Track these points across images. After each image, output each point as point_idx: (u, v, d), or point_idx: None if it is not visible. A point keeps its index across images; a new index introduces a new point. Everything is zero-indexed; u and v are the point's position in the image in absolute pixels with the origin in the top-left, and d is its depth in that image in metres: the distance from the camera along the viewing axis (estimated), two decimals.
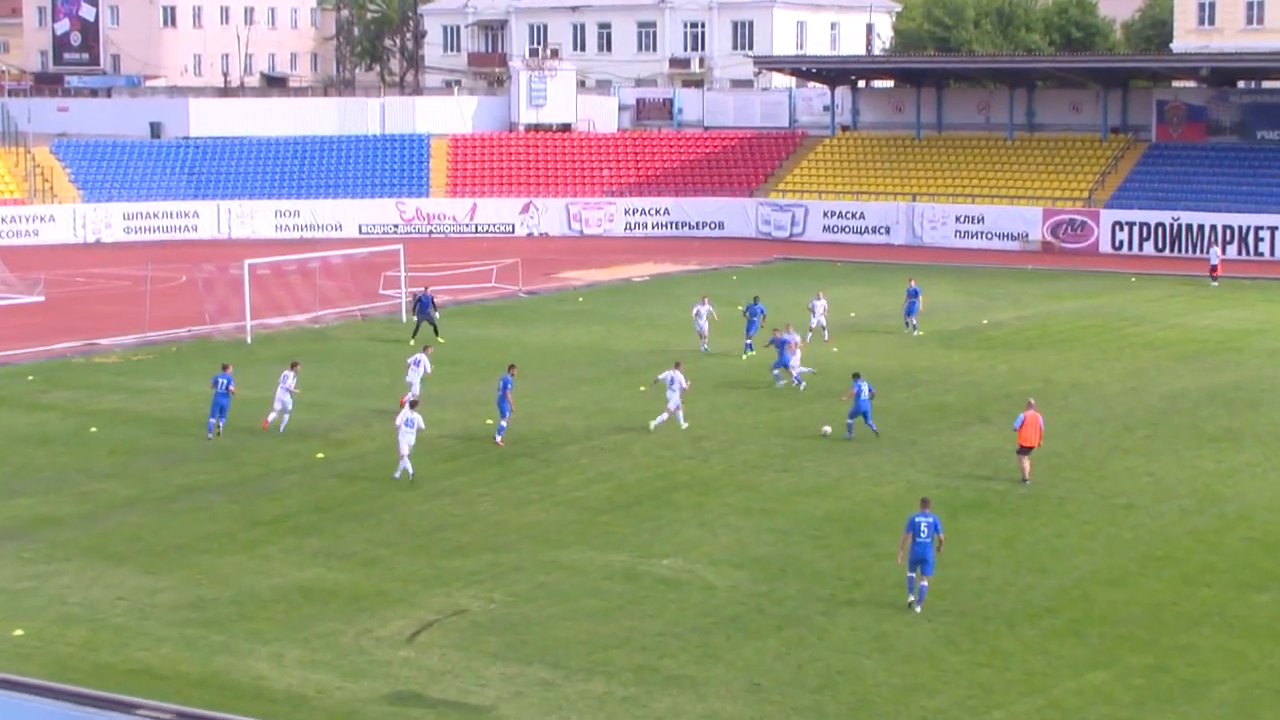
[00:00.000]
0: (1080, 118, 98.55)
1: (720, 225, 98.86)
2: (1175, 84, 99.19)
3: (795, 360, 51.25)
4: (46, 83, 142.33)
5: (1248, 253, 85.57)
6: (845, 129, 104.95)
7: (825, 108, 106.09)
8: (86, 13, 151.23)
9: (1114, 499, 38.26)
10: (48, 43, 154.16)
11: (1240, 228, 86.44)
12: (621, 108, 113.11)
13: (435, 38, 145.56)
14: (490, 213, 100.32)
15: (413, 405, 41.21)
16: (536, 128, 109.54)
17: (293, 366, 46.60)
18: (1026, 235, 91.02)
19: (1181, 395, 50.27)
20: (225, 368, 46.41)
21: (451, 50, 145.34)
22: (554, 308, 70.30)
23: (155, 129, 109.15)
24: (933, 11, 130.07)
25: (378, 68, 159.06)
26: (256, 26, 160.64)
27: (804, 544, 34.67)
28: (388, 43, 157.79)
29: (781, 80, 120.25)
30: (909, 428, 45.64)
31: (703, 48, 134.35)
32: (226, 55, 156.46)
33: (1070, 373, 54.00)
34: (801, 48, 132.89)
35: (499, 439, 43.92)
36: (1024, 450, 39.66)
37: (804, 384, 50.85)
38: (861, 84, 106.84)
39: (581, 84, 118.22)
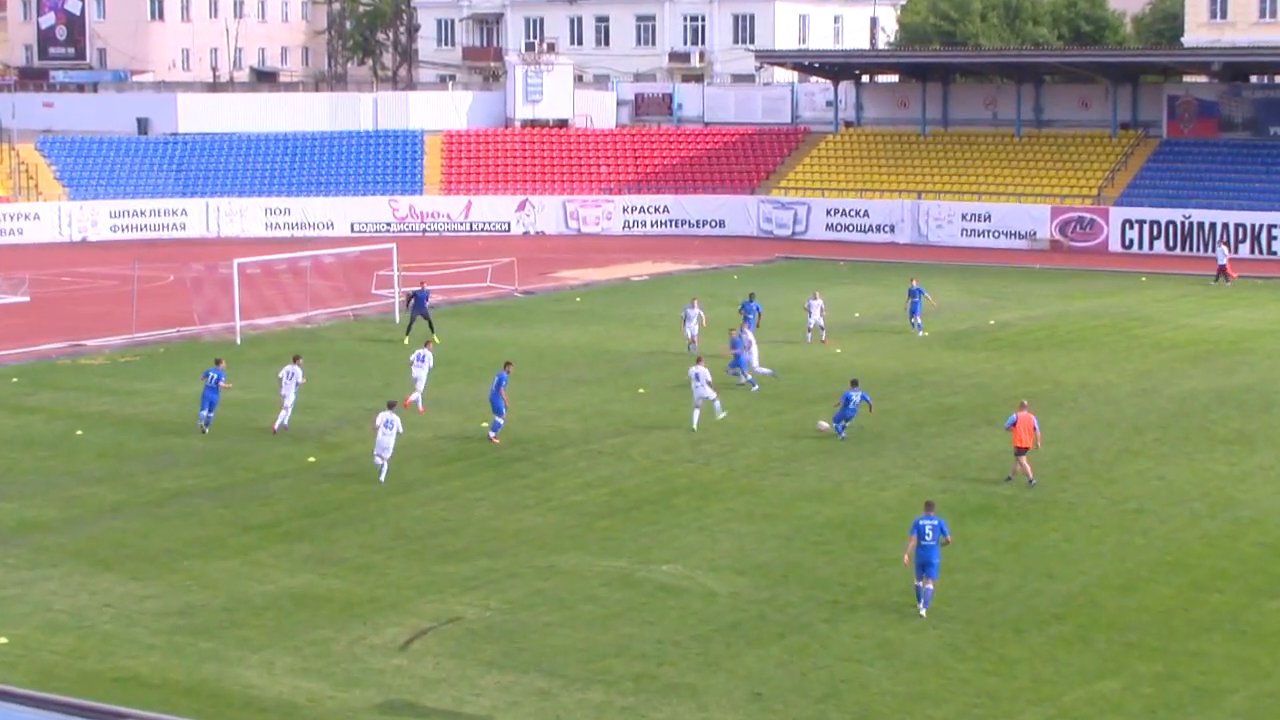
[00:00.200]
0: (1089, 113, 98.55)
1: (721, 223, 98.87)
2: (1186, 79, 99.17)
3: (753, 359, 51.77)
4: (31, 78, 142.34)
5: (1261, 251, 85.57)
6: (849, 125, 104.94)
7: (828, 103, 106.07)
8: (72, 6, 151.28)
9: (1124, 503, 38.29)
10: (32, 37, 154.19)
11: (1253, 226, 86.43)
12: (620, 103, 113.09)
13: (429, 31, 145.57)
14: (485, 211, 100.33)
15: (390, 406, 41.42)
16: (533, 124, 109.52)
17: (295, 360, 46.76)
18: (1034, 234, 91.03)
19: (1193, 397, 50.30)
20: (218, 362, 47.03)
21: (446, 44, 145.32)
22: (551, 308, 70.32)
23: (142, 125, 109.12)
24: (938, 4, 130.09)
25: (370, 62, 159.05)
26: (246, 20, 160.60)
27: (806, 549, 34.70)
28: (380, 36, 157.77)
29: (784, 75, 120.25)
30: (914, 430, 45.68)
31: (703, 41, 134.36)
32: (215, 49, 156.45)
33: (1079, 374, 54.04)
34: (804, 41, 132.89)
35: (493, 436, 44.05)
36: (1020, 451, 39.79)
37: (756, 386, 51.08)
38: (865, 79, 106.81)
39: (579, 79, 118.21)
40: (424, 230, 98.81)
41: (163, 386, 52.63)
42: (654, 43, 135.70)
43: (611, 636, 29.39)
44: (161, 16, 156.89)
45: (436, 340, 58.50)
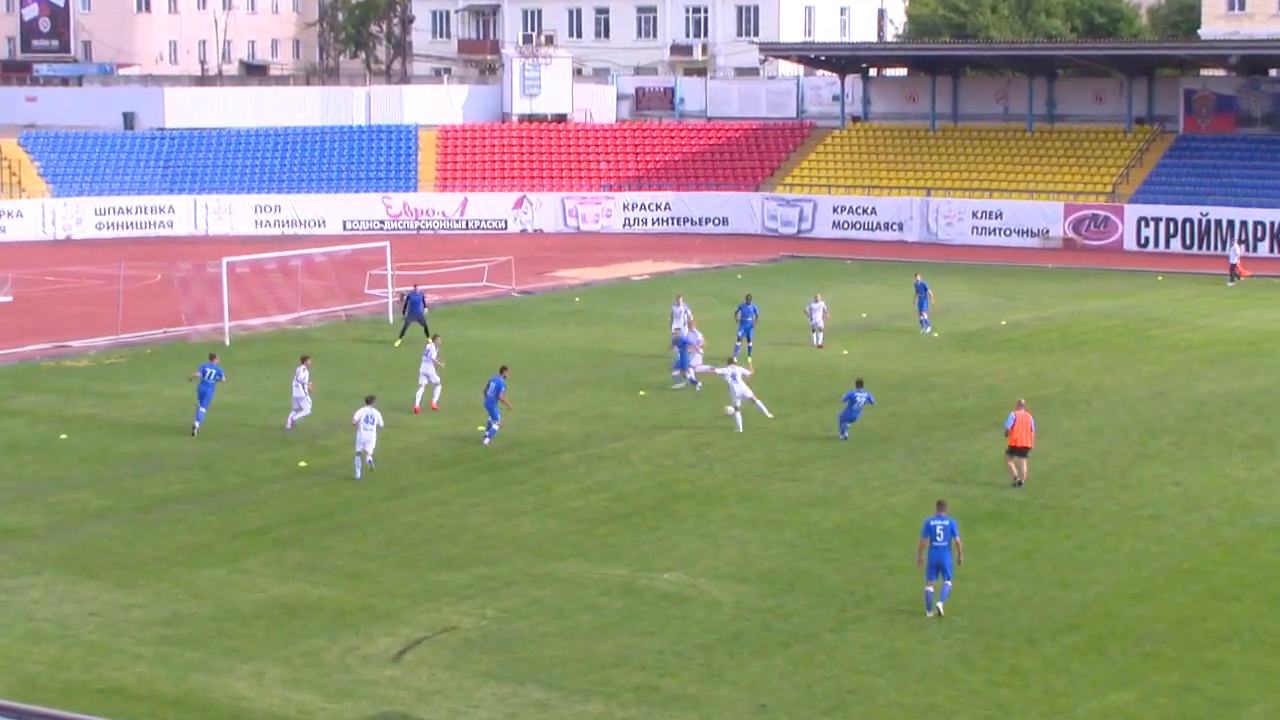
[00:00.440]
0: (1103, 108, 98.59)
1: (724, 221, 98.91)
2: (1203, 72, 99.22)
3: (697, 360, 51.96)
4: (14, 71, 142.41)
5: None
6: (856, 120, 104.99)
7: (835, 97, 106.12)
8: None
9: (1139, 509, 38.28)
10: (15, 29, 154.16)
11: (1272, 223, 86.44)
12: (620, 97, 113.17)
13: (424, 23, 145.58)
14: (482, 208, 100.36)
15: (369, 400, 41.86)
16: (530, 118, 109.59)
17: (304, 361, 47.28)
18: (1047, 231, 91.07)
19: (1210, 400, 50.29)
20: (212, 357, 47.69)
21: (441, 36, 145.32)
22: (549, 308, 70.33)
23: (129, 119, 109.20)
24: None
25: (363, 55, 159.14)
26: (235, 11, 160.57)
27: (812, 556, 34.69)
28: (374, 28, 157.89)
29: (789, 68, 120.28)
30: (923, 434, 45.68)
31: (706, 34, 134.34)
32: (204, 42, 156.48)
33: (1093, 376, 54.04)
34: (810, 34, 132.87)
35: (487, 441, 44.08)
36: (1018, 452, 39.97)
37: (700, 385, 51.28)
38: (873, 72, 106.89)
39: (578, 72, 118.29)
40: (418, 228, 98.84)
41: (149, 389, 52.63)
42: (655, 35, 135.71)
43: (611, 646, 29.38)
44: (148, 8, 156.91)
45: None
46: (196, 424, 46.02)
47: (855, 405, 44.46)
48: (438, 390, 48.92)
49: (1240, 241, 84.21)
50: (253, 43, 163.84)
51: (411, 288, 62.50)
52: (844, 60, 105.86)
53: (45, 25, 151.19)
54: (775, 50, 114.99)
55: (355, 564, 34.34)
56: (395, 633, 30.13)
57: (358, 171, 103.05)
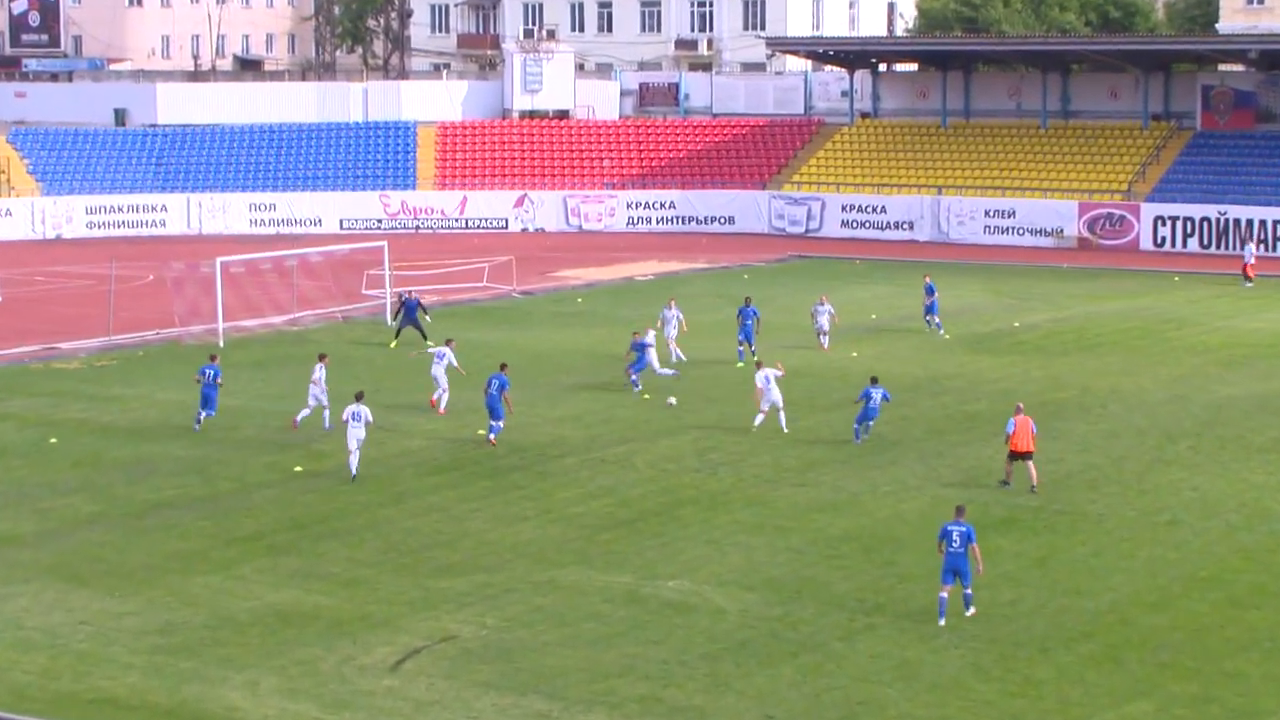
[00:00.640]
0: (1119, 104, 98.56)
1: (730, 220, 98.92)
2: (1222, 67, 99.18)
3: (653, 360, 52.55)
4: (2, 66, 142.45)
5: None
6: (865, 116, 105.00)
7: (843, 93, 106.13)
8: None
9: (1156, 515, 38.27)
10: (4, 23, 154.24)
11: None
12: (623, 93, 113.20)
13: (422, 17, 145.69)
14: (482, 206, 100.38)
15: (358, 397, 42.24)
16: (532, 115, 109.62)
17: (321, 359, 47.70)
18: (1061, 231, 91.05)
19: (1229, 403, 50.28)
20: (212, 358, 48.23)
21: (440, 31, 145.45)
22: (551, 309, 70.35)
23: (120, 116, 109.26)
24: None
25: (360, 50, 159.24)
26: (229, 5, 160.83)
27: (821, 564, 34.69)
28: (371, 23, 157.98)
29: (796, 63, 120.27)
30: (935, 438, 45.68)
31: (711, 28, 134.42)
32: (197, 36, 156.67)
33: (1109, 379, 54.03)
34: (818, 28, 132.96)
35: (493, 438, 44.35)
36: (1021, 456, 40.08)
37: (640, 388, 51.72)
38: (883, 67, 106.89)
39: (580, 67, 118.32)
40: (417, 227, 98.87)
41: (141, 392, 52.65)
42: (659, 29, 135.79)
43: (615, 656, 29.38)
44: (140, 2, 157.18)
45: (430, 344, 58.68)
46: (197, 423, 46.58)
47: (872, 403, 44.45)
48: (445, 396, 48.93)
49: (1260, 241, 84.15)
50: (247, 37, 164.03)
51: (406, 293, 62.57)
52: (853, 55, 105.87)
53: (34, 19, 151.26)
54: (782, 45, 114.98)
55: (352, 571, 34.35)
56: (393, 641, 30.13)
57: (355, 169, 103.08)
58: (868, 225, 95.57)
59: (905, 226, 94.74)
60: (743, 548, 35.77)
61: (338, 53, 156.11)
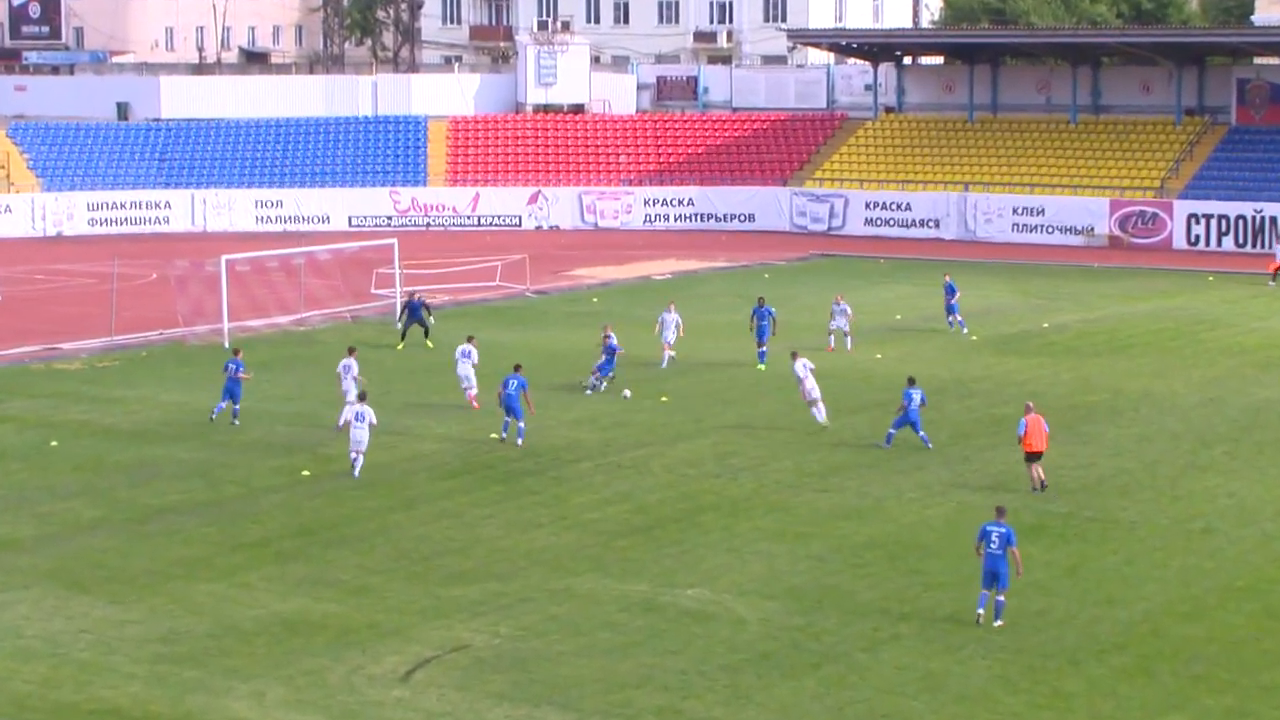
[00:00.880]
0: (1151, 98, 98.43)
1: (750, 217, 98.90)
2: (1257, 60, 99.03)
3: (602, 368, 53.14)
4: (3, 59, 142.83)
5: None
6: (889, 110, 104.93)
7: (867, 87, 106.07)
8: None
9: (1190, 522, 38.19)
10: (4, 15, 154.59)
11: None
12: (640, 87, 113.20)
13: (433, 9, 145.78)
14: (494, 203, 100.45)
15: (362, 398, 43.06)
16: (546, 109, 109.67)
17: (351, 353, 48.71)
18: (1092, 229, 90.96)
19: (1266, 407, 50.20)
20: (236, 352, 49.14)
21: (451, 23, 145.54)
22: (565, 309, 70.36)
23: (123, 110, 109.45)
24: None
25: (369, 42, 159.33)
26: None
27: (844, 572, 34.66)
28: (380, 14, 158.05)
29: (818, 56, 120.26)
30: (961, 442, 45.64)
31: (731, 20, 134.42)
32: (201, 28, 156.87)
33: (1141, 382, 53.96)
34: (841, 20, 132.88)
35: (520, 440, 44.78)
36: (1034, 457, 40.09)
37: (591, 390, 52.11)
38: (908, 60, 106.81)
39: (596, 60, 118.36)
40: (428, 224, 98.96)
41: (144, 393, 52.72)
42: (677, 21, 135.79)
43: (632, 666, 29.37)
44: None
45: (430, 345, 58.92)
46: (214, 414, 47.73)
47: (913, 406, 44.35)
48: (474, 390, 49.87)
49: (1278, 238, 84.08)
50: (253, 29, 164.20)
51: (410, 294, 62.61)
52: (877, 47, 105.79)
53: (35, 10, 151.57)
54: (804, 37, 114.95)
55: (361, 579, 34.36)
56: (403, 651, 30.14)
57: (364, 165, 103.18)
58: (892, 223, 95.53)
59: (931, 224, 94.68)
60: (764, 555, 35.76)
61: (346, 45, 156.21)
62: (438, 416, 48.66)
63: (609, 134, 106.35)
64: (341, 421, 43.25)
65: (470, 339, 51.73)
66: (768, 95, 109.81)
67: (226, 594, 33.42)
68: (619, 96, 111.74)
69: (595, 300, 72.97)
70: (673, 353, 56.64)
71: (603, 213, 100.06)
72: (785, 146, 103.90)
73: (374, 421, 42.01)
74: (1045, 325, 65.46)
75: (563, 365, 56.71)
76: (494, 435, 45.77)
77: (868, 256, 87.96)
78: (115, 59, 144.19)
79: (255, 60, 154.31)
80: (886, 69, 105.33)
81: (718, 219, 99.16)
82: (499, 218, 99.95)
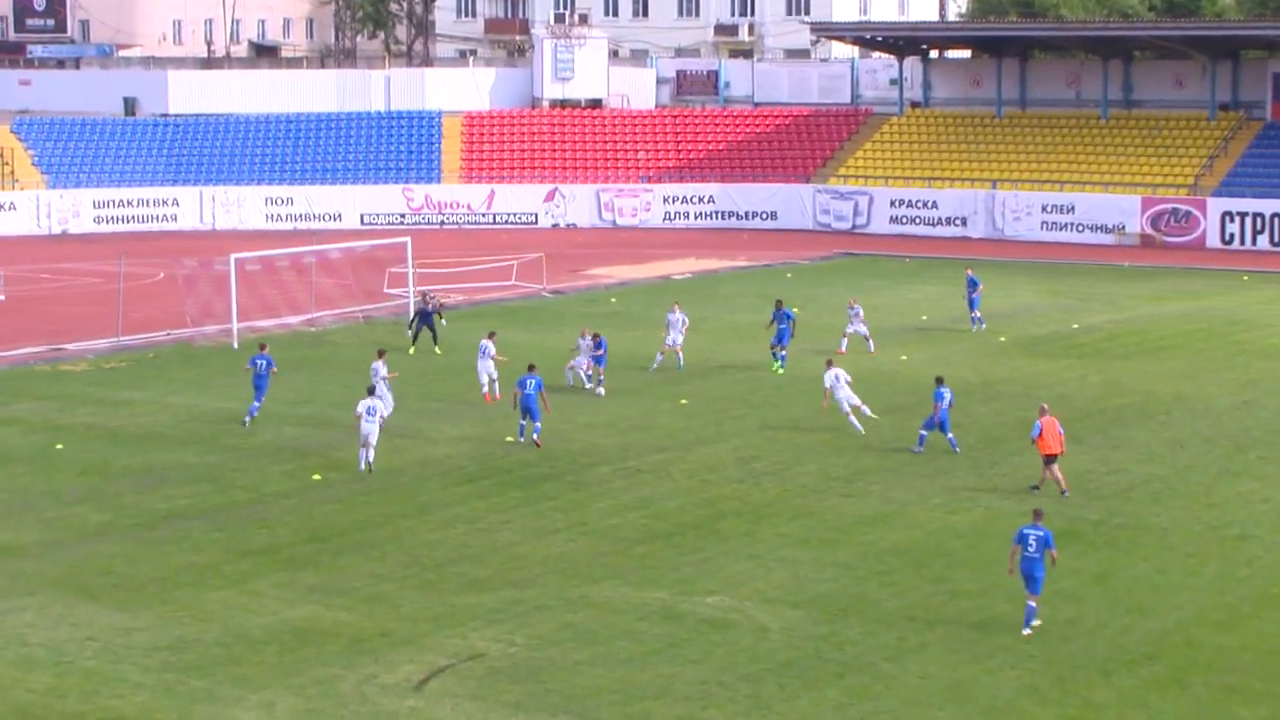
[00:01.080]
0: (1184, 93, 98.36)
1: (773, 215, 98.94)
2: None
3: (581, 366, 53.72)
4: (6, 53, 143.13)
5: None
6: (915, 106, 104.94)
7: (892, 81, 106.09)
8: None
9: (1224, 529, 38.14)
10: (7, 7, 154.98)
11: None
12: (659, 81, 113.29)
13: (448, 1, 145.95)
14: (510, 201, 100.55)
15: (370, 392, 43.54)
16: (563, 104, 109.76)
17: (380, 355, 48.86)
18: (1123, 227, 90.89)
19: None
20: (262, 347, 49.33)
21: (466, 16, 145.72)
22: (583, 309, 70.37)
23: (130, 105, 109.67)
24: None
25: (382, 35, 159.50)
26: None
27: (869, 579, 34.64)
28: (393, 7, 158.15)
29: (842, 50, 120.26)
30: (989, 447, 45.59)
31: (752, 13, 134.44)
32: (210, 21, 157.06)
33: (1174, 384, 53.88)
34: (865, 13, 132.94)
35: (536, 439, 45.07)
36: (1051, 459, 40.18)
37: (572, 383, 52.94)
38: (934, 54, 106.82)
39: (614, 54, 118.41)
40: (442, 222, 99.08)
41: (151, 395, 52.80)
42: (698, 14, 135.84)
43: (650, 676, 29.37)
44: None
45: (439, 351, 58.95)
46: (248, 417, 47.89)
47: (944, 406, 44.33)
48: (495, 385, 50.73)
49: None
50: (263, 22, 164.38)
51: (423, 295, 62.59)
52: (902, 41, 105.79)
53: (40, 3, 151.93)
54: (828, 30, 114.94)
55: (373, 586, 34.39)
56: (417, 660, 30.16)
57: (376, 161, 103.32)
58: (918, 221, 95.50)
59: (958, 222, 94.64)
60: (787, 562, 35.75)
61: (358, 39, 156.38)
62: (451, 419, 48.70)
63: (627, 130, 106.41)
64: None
65: (491, 335, 52.09)
66: (790, 90, 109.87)
67: (236, 601, 33.46)
68: (638, 91, 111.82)
69: (613, 300, 72.99)
70: (676, 354, 56.52)
71: (621, 210, 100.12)
72: (808, 143, 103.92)
73: (385, 414, 42.80)
74: (1075, 326, 65.40)
75: None
76: (509, 438, 45.83)
77: (893, 255, 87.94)
78: (122, 53, 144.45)
79: (265, 54, 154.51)
80: (912, 63, 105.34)
81: (739, 217, 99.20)
82: (515, 215, 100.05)
